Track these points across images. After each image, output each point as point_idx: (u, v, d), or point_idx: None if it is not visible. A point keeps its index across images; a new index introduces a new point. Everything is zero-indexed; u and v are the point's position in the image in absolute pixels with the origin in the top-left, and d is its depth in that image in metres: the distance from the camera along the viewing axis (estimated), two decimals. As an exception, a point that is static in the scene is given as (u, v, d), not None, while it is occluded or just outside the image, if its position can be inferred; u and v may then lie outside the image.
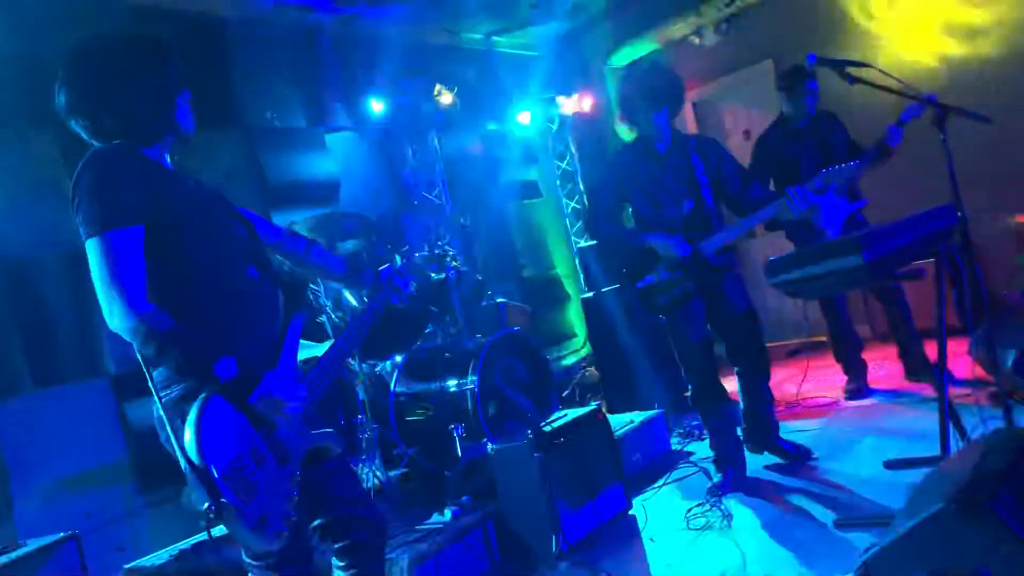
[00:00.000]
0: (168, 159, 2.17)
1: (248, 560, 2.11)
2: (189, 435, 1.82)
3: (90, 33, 2.11)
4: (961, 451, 2.27)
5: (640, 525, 3.75)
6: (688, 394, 4.10)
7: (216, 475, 1.80)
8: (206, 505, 1.79)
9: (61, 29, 4.21)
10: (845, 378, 5.14)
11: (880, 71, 3.56)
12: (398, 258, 2.69)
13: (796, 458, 3.97)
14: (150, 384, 1.97)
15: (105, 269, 1.89)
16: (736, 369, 3.98)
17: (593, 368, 6.35)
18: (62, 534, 3.15)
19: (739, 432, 4.04)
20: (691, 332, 3.86)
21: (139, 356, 1.98)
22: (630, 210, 4.02)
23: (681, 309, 3.83)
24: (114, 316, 1.89)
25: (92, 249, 1.92)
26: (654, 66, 4.02)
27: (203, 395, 1.88)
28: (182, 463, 1.83)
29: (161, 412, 1.94)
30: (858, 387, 5.03)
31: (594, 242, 6.56)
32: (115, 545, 4.19)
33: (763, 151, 4.91)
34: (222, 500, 1.78)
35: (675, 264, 3.78)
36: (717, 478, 3.94)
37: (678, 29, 7.46)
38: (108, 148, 2.04)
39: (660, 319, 3.93)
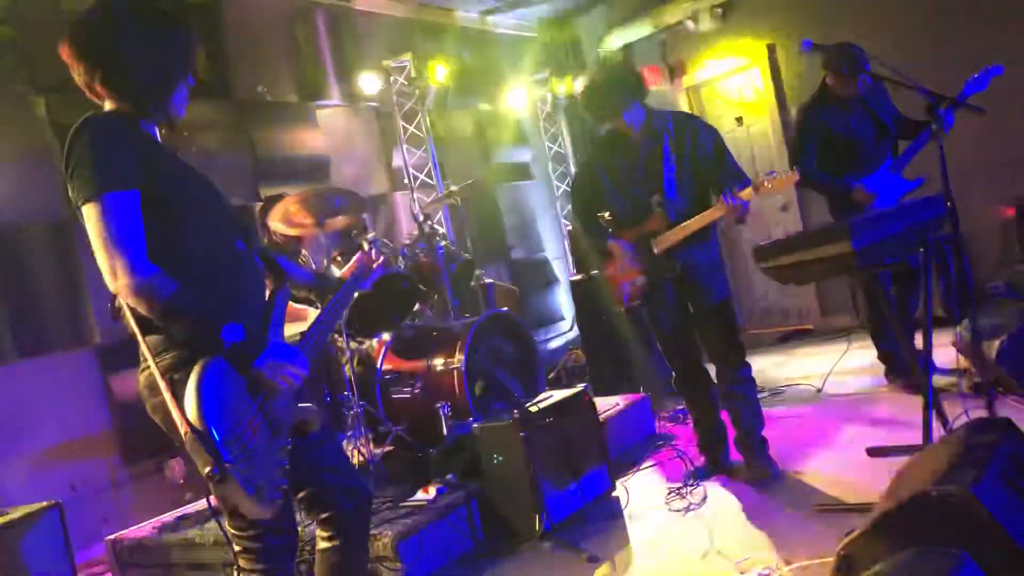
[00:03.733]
0: (157, 133, 2.16)
1: (233, 531, 2.11)
2: (191, 398, 1.81)
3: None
4: (943, 438, 2.29)
5: (623, 506, 3.77)
6: (672, 379, 4.01)
7: (218, 438, 1.80)
8: (207, 469, 1.78)
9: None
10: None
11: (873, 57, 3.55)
12: (364, 244, 2.69)
13: (756, 475, 3.70)
14: (144, 348, 1.95)
15: (106, 232, 1.87)
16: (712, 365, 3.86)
17: (580, 351, 6.37)
18: (45, 503, 3.15)
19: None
20: (662, 322, 3.81)
21: (132, 321, 1.96)
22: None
23: (649, 299, 3.77)
24: (118, 278, 1.87)
25: (90, 213, 1.89)
26: (605, 74, 3.89)
27: (206, 359, 1.87)
28: (181, 428, 1.83)
29: (158, 377, 1.92)
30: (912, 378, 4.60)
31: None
32: (98, 516, 4.19)
33: (811, 124, 4.56)
34: (225, 463, 1.78)
35: (635, 257, 3.73)
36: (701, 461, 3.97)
37: (673, 13, 7.45)
38: (102, 115, 2.03)
39: (634, 307, 3.85)
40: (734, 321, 3.83)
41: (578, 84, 7.70)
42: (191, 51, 2.14)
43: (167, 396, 1.89)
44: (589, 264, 5.72)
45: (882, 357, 4.81)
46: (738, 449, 3.82)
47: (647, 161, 3.69)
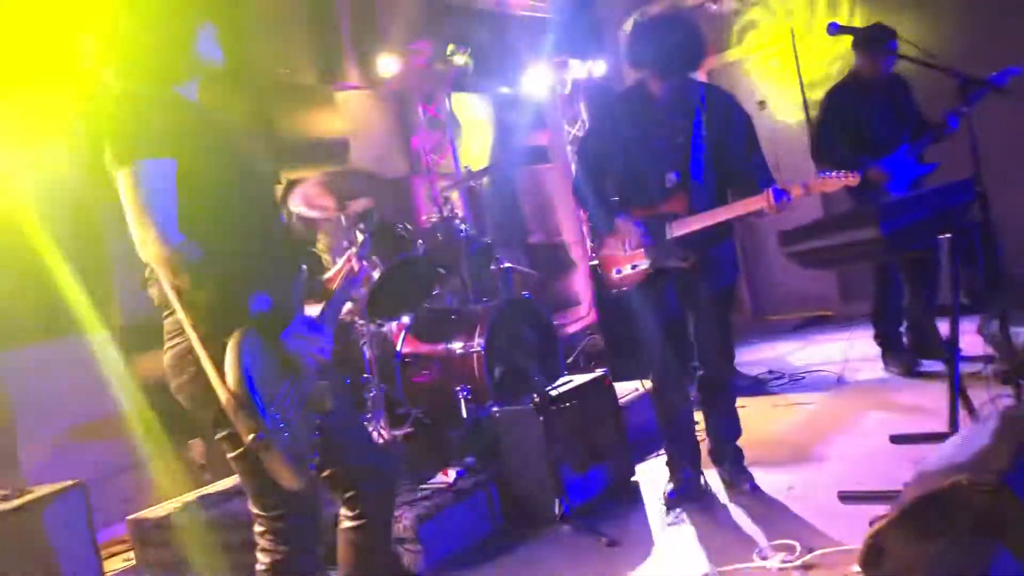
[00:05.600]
0: (196, 97, 2.16)
1: (257, 512, 2.11)
2: (232, 364, 1.82)
3: None
4: (973, 427, 2.26)
5: (642, 491, 3.75)
6: (695, 363, 3.67)
7: (260, 403, 1.80)
8: (251, 436, 1.79)
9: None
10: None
11: (906, 41, 3.48)
12: (359, 235, 2.66)
13: (733, 489, 3.52)
14: (182, 317, 1.94)
15: (139, 199, 1.87)
16: (695, 365, 3.56)
17: (598, 335, 6.34)
18: (69, 482, 3.17)
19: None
20: (656, 316, 3.42)
21: (169, 291, 1.96)
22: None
23: (646, 287, 3.40)
24: (146, 245, 1.88)
25: (125, 179, 1.89)
26: (679, 25, 3.31)
27: (243, 328, 1.88)
28: (222, 396, 1.83)
29: (197, 345, 1.91)
30: (909, 362, 4.78)
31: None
32: (120, 496, 4.22)
33: (834, 106, 4.63)
34: (268, 427, 1.79)
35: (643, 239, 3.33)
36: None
37: (695, -5, 7.37)
38: (140, 85, 2.02)
39: (621, 293, 3.49)
40: (732, 317, 3.57)
41: (599, 64, 7.60)
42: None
43: (208, 365, 1.88)
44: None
45: (879, 339, 4.90)
46: (712, 459, 3.62)
47: (673, 131, 3.30)
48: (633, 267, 3.38)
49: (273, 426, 1.82)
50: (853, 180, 3.15)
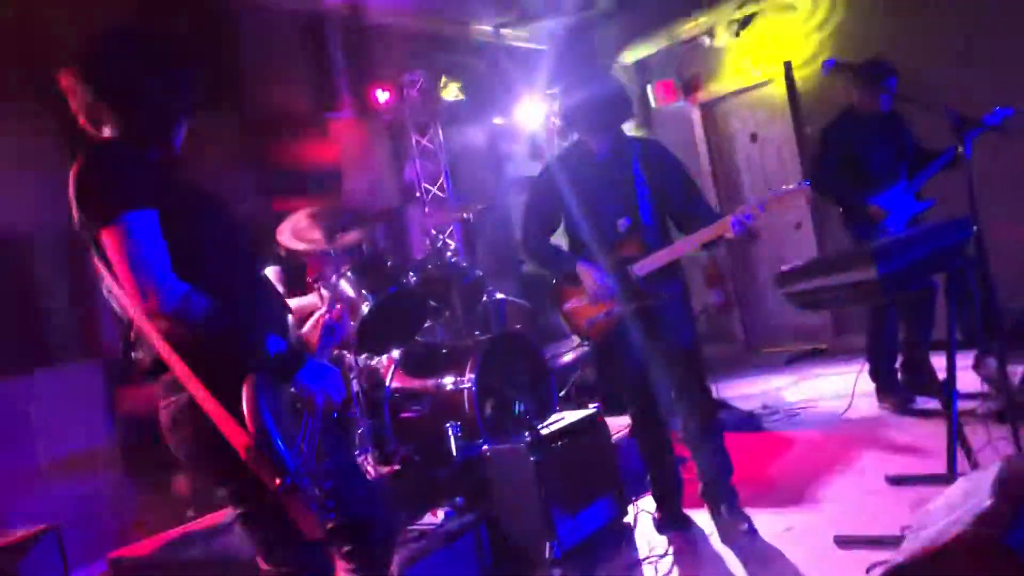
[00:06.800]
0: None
1: (269, 567, 2.04)
2: (252, 409, 1.77)
3: (126, 21, 2.08)
4: (972, 476, 2.21)
5: (635, 532, 3.68)
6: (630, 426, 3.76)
7: (283, 449, 1.76)
8: (278, 482, 1.74)
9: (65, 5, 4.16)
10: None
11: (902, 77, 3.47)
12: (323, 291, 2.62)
13: (727, 529, 3.47)
14: (179, 372, 1.87)
15: (132, 254, 1.82)
16: (679, 417, 3.55)
17: (591, 367, 6.28)
18: (42, 526, 3.08)
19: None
20: (630, 360, 3.48)
21: (164, 347, 1.88)
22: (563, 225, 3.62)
23: (612, 334, 3.45)
24: (148, 299, 1.82)
25: (112, 237, 1.83)
26: (603, 84, 3.50)
27: (255, 373, 1.84)
28: (238, 446, 1.78)
29: (201, 399, 1.84)
30: (903, 399, 4.78)
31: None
32: (101, 532, 4.13)
33: (833, 141, 4.63)
34: (293, 471, 1.75)
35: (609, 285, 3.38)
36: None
37: (689, 28, 7.39)
38: (111, 140, 2.00)
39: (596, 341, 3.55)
40: (704, 362, 3.60)
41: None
42: (199, 88, 2.12)
43: (216, 415, 1.82)
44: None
45: (874, 375, 4.88)
46: (705, 499, 3.57)
47: (616, 182, 3.42)
48: (606, 314, 3.42)
49: (297, 471, 1.77)
50: (804, 192, 3.16)
